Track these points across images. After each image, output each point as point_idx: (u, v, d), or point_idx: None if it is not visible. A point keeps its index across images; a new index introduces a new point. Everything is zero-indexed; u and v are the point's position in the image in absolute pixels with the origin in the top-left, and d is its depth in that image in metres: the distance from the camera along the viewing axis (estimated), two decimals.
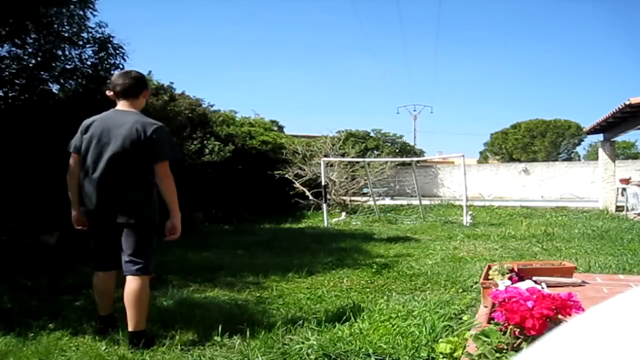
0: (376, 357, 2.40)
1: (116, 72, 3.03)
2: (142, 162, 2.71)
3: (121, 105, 2.83)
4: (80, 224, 2.88)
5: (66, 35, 6.38)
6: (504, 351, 1.79)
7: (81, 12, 6.45)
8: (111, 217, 2.70)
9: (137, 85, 2.85)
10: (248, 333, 2.81)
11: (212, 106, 11.71)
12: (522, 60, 70.08)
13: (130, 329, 2.65)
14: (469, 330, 2.42)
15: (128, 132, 2.67)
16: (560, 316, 1.79)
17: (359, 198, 14.09)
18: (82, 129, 2.81)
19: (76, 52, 6.59)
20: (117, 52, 6.67)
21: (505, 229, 8.48)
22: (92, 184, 2.72)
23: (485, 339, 1.84)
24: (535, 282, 2.53)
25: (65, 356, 2.56)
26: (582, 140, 29.89)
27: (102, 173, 2.69)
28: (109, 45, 6.61)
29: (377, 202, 12.63)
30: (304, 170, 12.70)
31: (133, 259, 2.70)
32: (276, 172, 12.39)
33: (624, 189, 11.68)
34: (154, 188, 2.79)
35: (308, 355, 2.45)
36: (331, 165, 12.83)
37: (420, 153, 26.65)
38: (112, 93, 2.85)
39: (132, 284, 2.67)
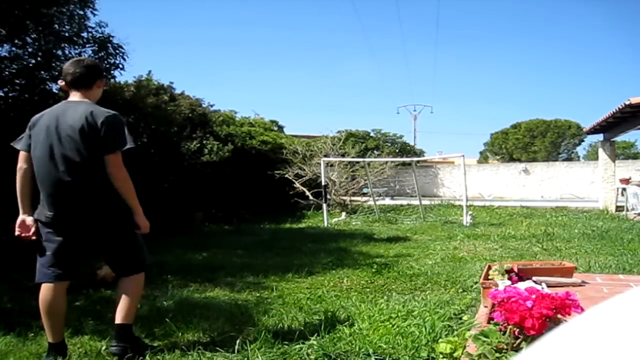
0: (376, 357, 2.40)
1: (69, 61, 2.68)
2: (97, 154, 2.44)
3: (73, 96, 2.57)
4: (27, 230, 2.46)
5: (66, 35, 6.39)
6: (504, 351, 1.79)
7: (81, 12, 6.48)
8: (86, 222, 2.46)
9: (89, 75, 2.58)
10: (248, 333, 2.81)
11: (212, 106, 11.76)
12: (521, 60, 70.33)
13: (119, 321, 2.49)
14: (469, 330, 2.41)
15: (77, 124, 2.41)
16: (559, 316, 1.79)
17: (359, 198, 14.09)
18: (30, 124, 2.50)
19: (76, 51, 6.60)
20: (117, 51, 6.69)
21: (505, 229, 8.48)
22: (51, 186, 2.43)
23: (484, 339, 1.84)
24: (535, 282, 2.53)
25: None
26: (582, 140, 29.95)
27: (60, 172, 2.41)
28: (109, 45, 6.62)
29: (377, 202, 12.64)
30: (304, 170, 12.70)
31: (132, 261, 2.60)
32: (276, 172, 12.39)
33: (624, 189, 11.67)
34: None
35: (308, 355, 2.45)
36: (331, 165, 12.83)
37: (420, 153, 26.65)
38: (63, 83, 2.59)
39: (131, 279, 2.59)
